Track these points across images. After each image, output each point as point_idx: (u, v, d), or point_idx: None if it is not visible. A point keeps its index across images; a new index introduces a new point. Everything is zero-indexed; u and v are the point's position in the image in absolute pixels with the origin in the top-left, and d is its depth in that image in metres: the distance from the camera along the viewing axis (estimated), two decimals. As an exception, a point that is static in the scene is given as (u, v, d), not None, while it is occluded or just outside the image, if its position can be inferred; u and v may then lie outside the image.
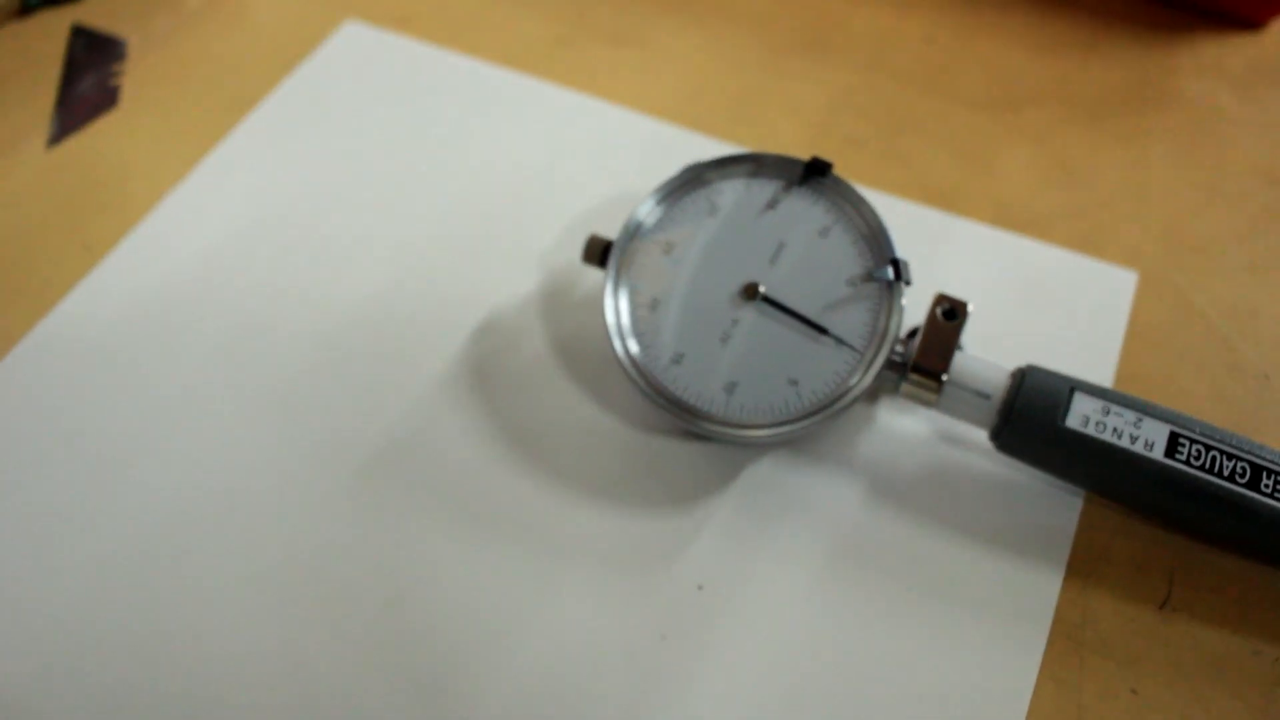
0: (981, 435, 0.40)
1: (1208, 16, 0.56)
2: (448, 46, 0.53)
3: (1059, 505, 0.39)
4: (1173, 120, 0.52)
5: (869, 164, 0.49)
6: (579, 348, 0.43)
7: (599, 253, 0.41)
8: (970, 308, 0.39)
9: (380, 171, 0.49)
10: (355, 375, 0.42)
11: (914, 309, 0.42)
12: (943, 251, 0.46)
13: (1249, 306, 0.45)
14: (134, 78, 0.52)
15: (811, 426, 0.37)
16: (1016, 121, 0.51)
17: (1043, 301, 0.45)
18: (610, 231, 0.43)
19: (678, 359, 0.38)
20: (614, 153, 0.49)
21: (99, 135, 0.50)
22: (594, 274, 0.45)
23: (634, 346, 0.39)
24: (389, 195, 0.48)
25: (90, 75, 0.52)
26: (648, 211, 0.41)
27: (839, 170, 0.48)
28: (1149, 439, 0.36)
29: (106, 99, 0.51)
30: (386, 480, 0.40)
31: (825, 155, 0.50)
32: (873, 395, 0.42)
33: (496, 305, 0.44)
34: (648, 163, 0.48)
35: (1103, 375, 0.43)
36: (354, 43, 0.54)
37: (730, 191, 0.41)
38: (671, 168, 0.42)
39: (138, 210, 0.47)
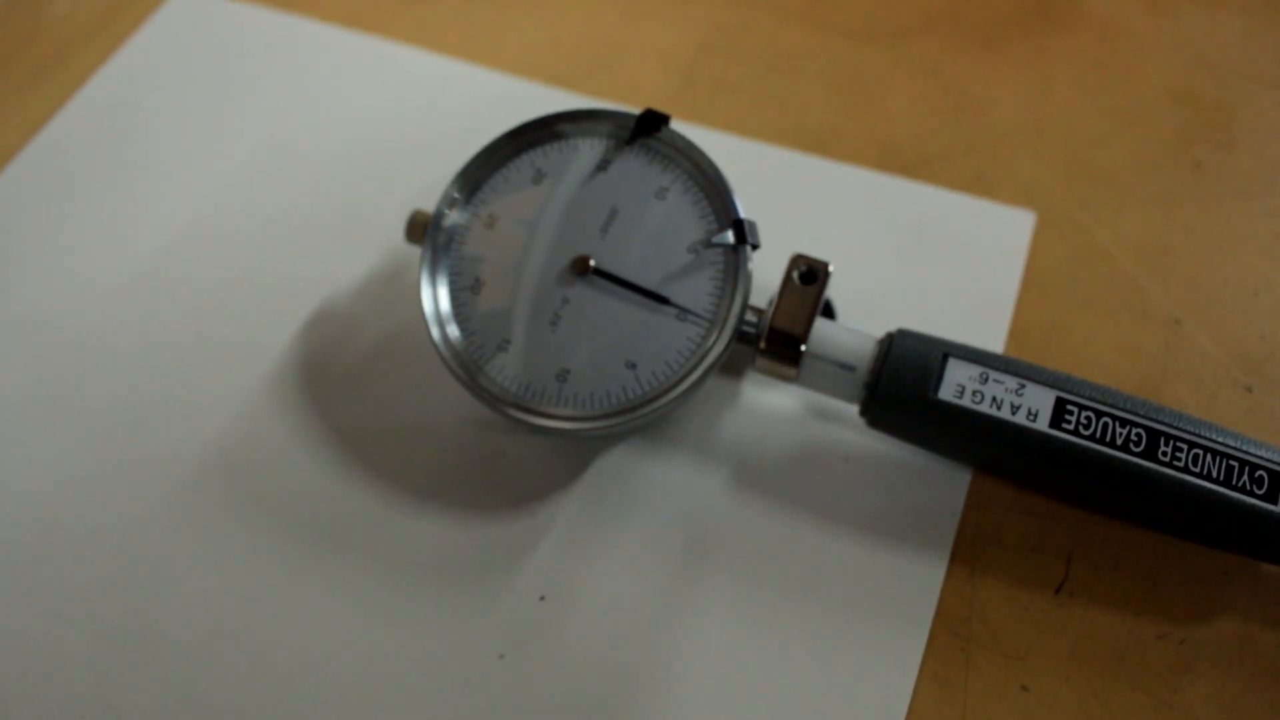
0: (855, 410, 0.36)
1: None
2: (287, 10, 0.49)
3: (945, 483, 0.35)
4: (1077, 41, 0.47)
5: (741, 109, 0.45)
6: (415, 338, 0.39)
7: (423, 230, 0.36)
8: (831, 268, 0.34)
9: (208, 149, 0.44)
10: (173, 379, 0.38)
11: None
12: (819, 202, 0.42)
13: (1159, 244, 0.41)
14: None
15: (652, 415, 0.33)
16: (905, 52, 0.47)
17: (930, 251, 0.41)
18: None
19: (503, 346, 0.34)
20: (464, 116, 0.45)
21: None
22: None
23: (454, 333, 0.35)
24: (214, 176, 0.43)
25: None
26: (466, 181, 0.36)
27: (708, 119, 0.44)
28: (1032, 408, 0.32)
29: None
30: (209, 497, 0.36)
31: (694, 102, 0.45)
32: (737, 371, 0.38)
33: (330, 293, 0.40)
34: (502, 125, 0.43)
35: (995, 331, 0.38)
36: (186, 12, 0.49)
37: (557, 154, 0.36)
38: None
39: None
